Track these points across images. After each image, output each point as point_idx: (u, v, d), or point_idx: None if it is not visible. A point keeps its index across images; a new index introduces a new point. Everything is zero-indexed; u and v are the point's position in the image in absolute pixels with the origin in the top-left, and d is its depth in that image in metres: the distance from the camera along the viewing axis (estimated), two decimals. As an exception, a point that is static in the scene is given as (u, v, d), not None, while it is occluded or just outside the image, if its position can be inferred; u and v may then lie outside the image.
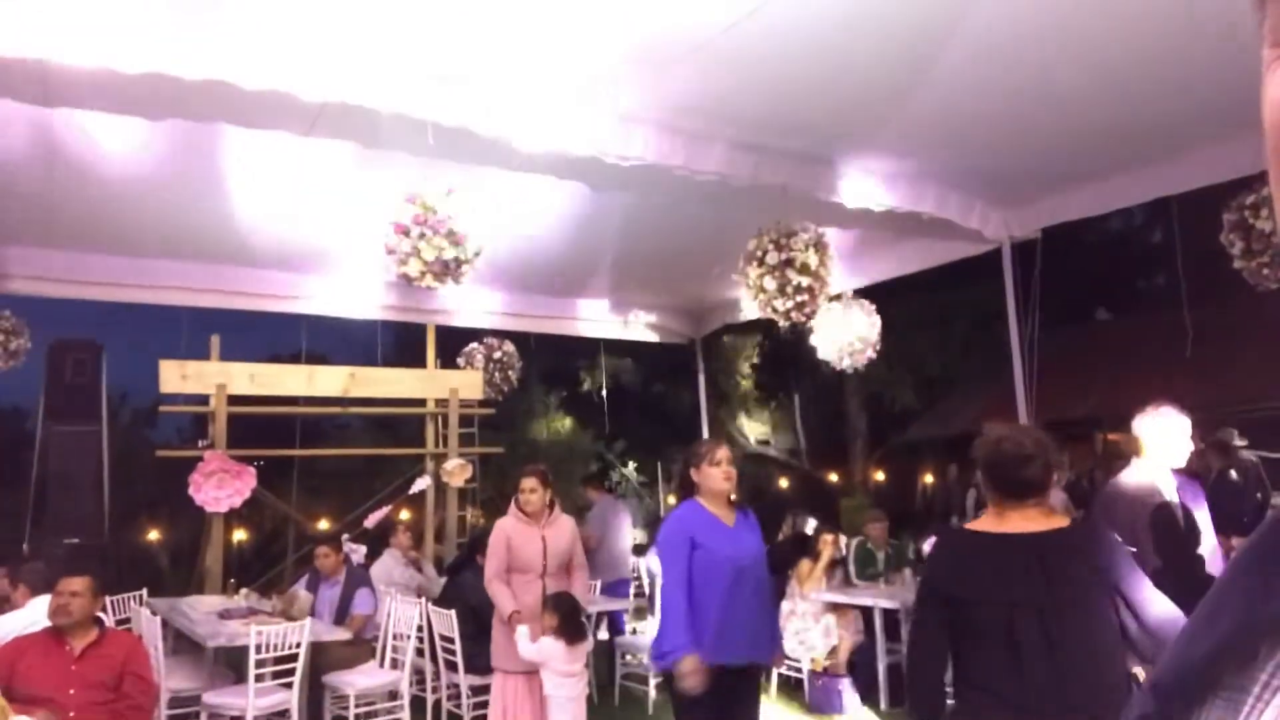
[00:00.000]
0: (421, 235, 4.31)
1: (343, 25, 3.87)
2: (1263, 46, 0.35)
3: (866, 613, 6.79)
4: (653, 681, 6.65)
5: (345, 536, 8.07)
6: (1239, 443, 8.04)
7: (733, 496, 3.93)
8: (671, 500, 3.60)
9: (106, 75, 3.67)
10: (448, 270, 4.43)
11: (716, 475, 3.82)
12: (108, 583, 4.51)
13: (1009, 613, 2.35)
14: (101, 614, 4.32)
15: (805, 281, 5.31)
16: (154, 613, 5.94)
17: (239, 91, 3.86)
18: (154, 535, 13.64)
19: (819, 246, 5.39)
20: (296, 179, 5.67)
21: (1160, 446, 4.15)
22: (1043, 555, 2.40)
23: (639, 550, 10.18)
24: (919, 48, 4.23)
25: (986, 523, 2.58)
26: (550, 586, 4.90)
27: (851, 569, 7.53)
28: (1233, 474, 7.64)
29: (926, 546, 6.85)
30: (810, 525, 7.54)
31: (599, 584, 7.41)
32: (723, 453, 3.88)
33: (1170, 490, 4.10)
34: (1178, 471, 4.19)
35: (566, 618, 4.63)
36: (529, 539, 4.96)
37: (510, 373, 9.51)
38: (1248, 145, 4.92)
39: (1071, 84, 4.61)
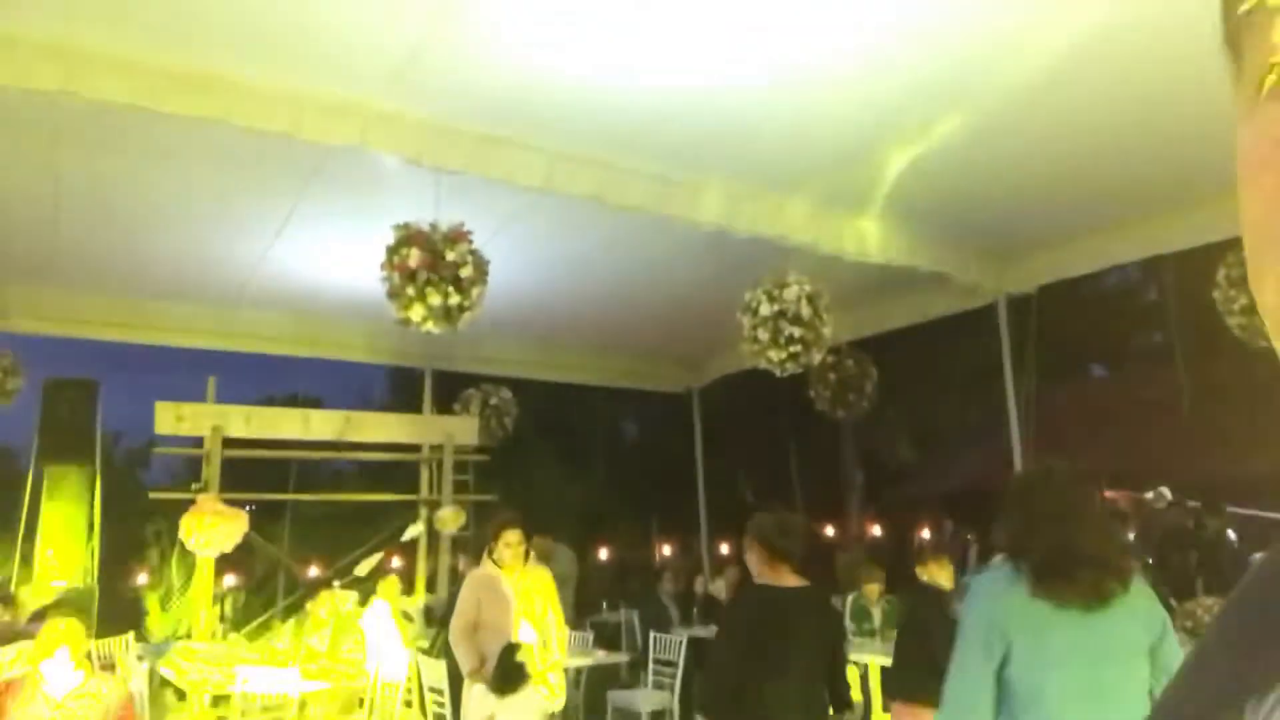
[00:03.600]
0: (427, 280, 4.32)
1: (342, 71, 3.94)
2: (1235, 98, 0.36)
3: (860, 669, 6.70)
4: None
5: (336, 584, 7.98)
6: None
7: None
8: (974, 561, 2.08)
9: (109, 114, 3.72)
10: (450, 315, 4.44)
11: None
12: (95, 626, 4.44)
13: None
14: (87, 658, 4.25)
15: (798, 332, 5.35)
16: (141, 657, 5.85)
17: (241, 131, 3.92)
18: (144, 578, 13.48)
19: (812, 298, 5.43)
20: (296, 221, 5.72)
21: None
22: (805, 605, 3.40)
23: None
24: (918, 105, 4.30)
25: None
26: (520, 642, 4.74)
27: (848, 625, 7.44)
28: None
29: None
30: None
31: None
32: None
33: None
34: None
35: (498, 668, 4.53)
36: (500, 593, 4.83)
37: (506, 419, 9.48)
38: (1241, 205, 4.98)
39: (1068, 143, 4.68)
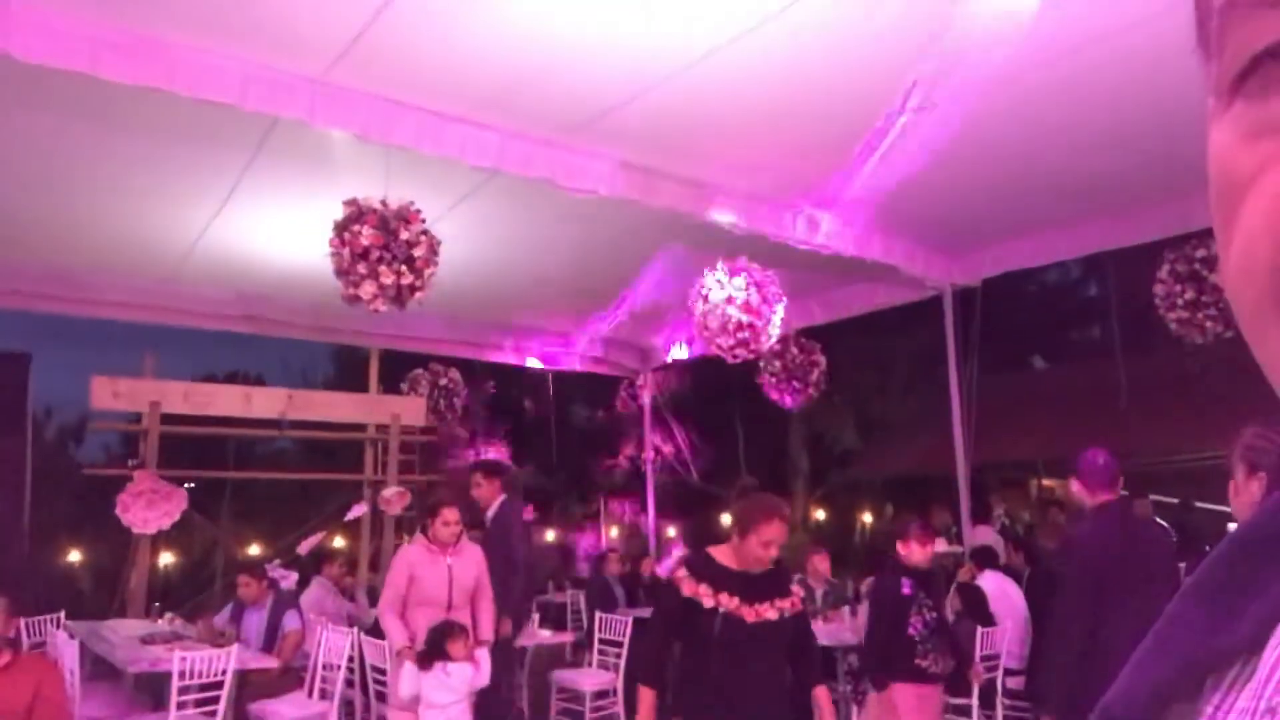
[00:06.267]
0: (379, 259, 4.26)
1: (291, 42, 3.85)
2: (1208, 97, 0.36)
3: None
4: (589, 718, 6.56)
5: (276, 562, 7.86)
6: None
7: None
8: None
9: (43, 73, 3.58)
10: (400, 295, 4.39)
11: None
12: (24, 604, 4.33)
13: None
14: (14, 636, 4.15)
15: (746, 319, 5.37)
16: (72, 636, 5.71)
17: (185, 101, 3.82)
18: (76, 556, 13.16)
19: (760, 286, 5.46)
20: (240, 195, 5.59)
21: None
22: None
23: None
24: (870, 99, 4.33)
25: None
26: (456, 619, 4.74)
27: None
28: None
29: (864, 587, 6.89)
30: None
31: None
32: None
33: None
34: None
35: (427, 642, 4.53)
36: (435, 570, 4.83)
37: (455, 400, 9.41)
38: (1184, 203, 5.12)
39: (1014, 140, 4.76)
